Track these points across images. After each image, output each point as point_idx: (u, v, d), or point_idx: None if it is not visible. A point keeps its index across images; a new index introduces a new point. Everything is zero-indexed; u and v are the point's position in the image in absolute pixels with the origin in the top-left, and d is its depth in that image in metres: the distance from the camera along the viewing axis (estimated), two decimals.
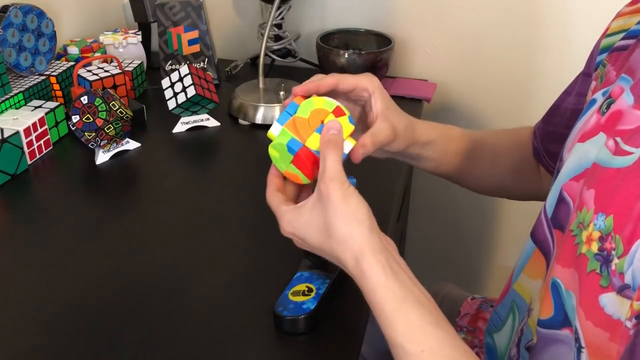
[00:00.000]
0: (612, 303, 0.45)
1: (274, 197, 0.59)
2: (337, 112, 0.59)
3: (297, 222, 0.56)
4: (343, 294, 0.66)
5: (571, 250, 0.50)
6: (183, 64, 1.16)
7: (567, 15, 1.18)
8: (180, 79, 0.99)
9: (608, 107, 0.53)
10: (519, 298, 0.62)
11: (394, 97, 1.17)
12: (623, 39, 0.60)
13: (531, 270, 0.60)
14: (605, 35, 0.63)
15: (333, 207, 0.53)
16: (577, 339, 0.49)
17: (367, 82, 0.64)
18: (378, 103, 0.64)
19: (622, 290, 0.44)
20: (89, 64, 1.05)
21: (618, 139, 0.49)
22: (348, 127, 0.59)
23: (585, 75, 0.67)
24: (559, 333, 0.52)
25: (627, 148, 0.47)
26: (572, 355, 0.50)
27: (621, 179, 0.46)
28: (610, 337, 0.46)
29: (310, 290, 0.64)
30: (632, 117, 0.49)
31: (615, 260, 0.44)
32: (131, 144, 0.96)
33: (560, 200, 0.56)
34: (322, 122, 0.58)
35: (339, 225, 0.53)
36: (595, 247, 0.47)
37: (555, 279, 0.52)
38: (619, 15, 0.63)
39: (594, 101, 0.58)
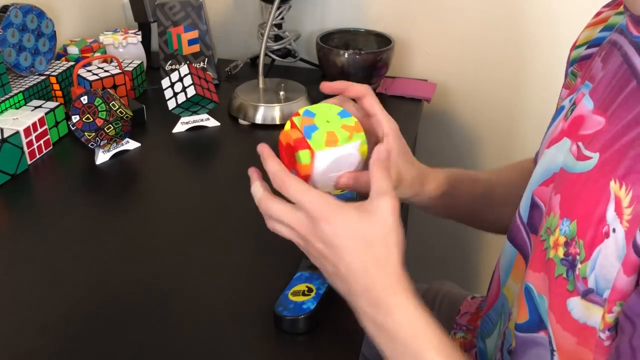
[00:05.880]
0: (577, 307, 0.45)
1: (298, 179, 0.54)
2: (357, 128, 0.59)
3: (341, 214, 0.51)
4: None
5: (541, 255, 0.51)
6: (183, 64, 1.16)
7: (565, 14, 1.18)
8: (180, 79, 0.99)
9: (572, 113, 0.54)
10: (506, 302, 0.62)
11: (394, 97, 1.19)
12: (588, 48, 0.61)
13: (516, 275, 0.61)
14: (575, 47, 0.64)
15: (389, 225, 0.52)
16: (550, 342, 0.49)
17: (390, 122, 0.63)
18: (392, 145, 0.63)
19: (587, 294, 0.44)
20: (89, 64, 1.05)
21: (580, 144, 0.49)
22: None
23: None
24: (536, 336, 0.52)
25: (587, 153, 0.48)
26: (548, 358, 0.50)
27: (582, 184, 0.47)
28: (577, 341, 0.46)
29: (310, 290, 0.64)
30: (592, 122, 0.50)
31: (579, 265, 0.45)
32: (131, 144, 0.96)
33: (533, 205, 0.57)
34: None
35: (389, 243, 0.52)
36: (561, 252, 0.47)
37: (527, 283, 0.53)
38: (586, 27, 0.64)
39: (562, 108, 0.59)
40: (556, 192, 0.50)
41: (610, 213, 0.43)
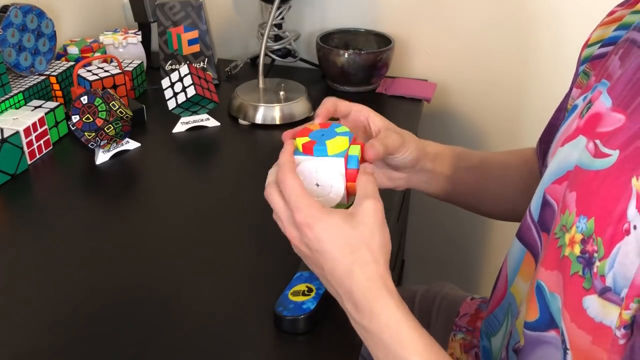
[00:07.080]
0: (594, 306, 0.45)
1: (296, 180, 0.54)
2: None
3: (324, 220, 0.52)
4: None
5: (555, 253, 0.50)
6: (183, 64, 1.16)
7: (564, 15, 1.18)
8: (180, 79, 0.99)
9: (588, 111, 0.53)
10: (514, 301, 0.62)
11: (394, 97, 1.19)
12: (601, 47, 0.61)
13: (524, 274, 0.60)
14: (587, 45, 0.64)
15: (372, 227, 0.53)
16: (563, 341, 0.49)
17: (361, 106, 0.67)
18: (377, 121, 0.66)
19: (604, 292, 0.44)
20: (89, 64, 1.05)
21: (597, 142, 0.49)
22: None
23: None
24: (545, 335, 0.52)
25: (605, 150, 0.48)
26: (560, 357, 0.50)
27: (601, 181, 0.46)
28: (592, 340, 0.46)
29: (310, 290, 0.64)
30: (611, 120, 0.49)
31: (597, 263, 0.45)
32: (131, 144, 0.96)
33: (545, 203, 0.56)
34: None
35: (372, 246, 0.53)
36: (577, 249, 0.47)
37: (539, 281, 0.53)
38: (599, 26, 0.64)
39: (575, 107, 0.59)
40: (571, 190, 0.50)
41: (632, 210, 0.43)
